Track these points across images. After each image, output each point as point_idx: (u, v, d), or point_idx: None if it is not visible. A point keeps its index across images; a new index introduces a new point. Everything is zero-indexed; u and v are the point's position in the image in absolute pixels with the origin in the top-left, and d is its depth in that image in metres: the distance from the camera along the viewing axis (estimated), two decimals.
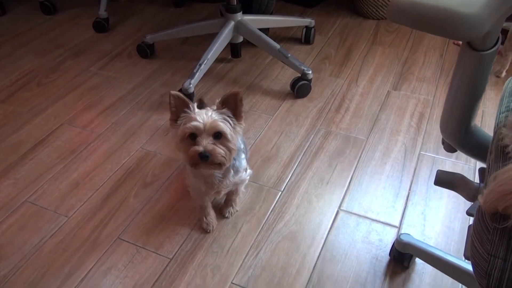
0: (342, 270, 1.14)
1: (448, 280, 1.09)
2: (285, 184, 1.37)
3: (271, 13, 2.05)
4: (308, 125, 1.60)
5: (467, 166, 1.42)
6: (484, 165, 0.76)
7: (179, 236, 1.22)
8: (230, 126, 1.02)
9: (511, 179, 0.47)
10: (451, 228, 1.23)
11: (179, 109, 1.03)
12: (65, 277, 1.13)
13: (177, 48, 2.05)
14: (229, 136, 1.01)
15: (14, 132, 1.59)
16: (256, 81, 1.83)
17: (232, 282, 1.11)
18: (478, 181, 0.75)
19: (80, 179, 1.40)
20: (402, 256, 1.12)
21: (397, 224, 1.25)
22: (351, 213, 1.28)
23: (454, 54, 1.97)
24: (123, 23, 2.27)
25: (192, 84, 1.61)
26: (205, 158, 0.98)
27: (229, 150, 1.02)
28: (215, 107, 1.04)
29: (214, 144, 0.99)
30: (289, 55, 1.72)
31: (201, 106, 1.45)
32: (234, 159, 1.11)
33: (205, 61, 1.67)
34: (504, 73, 1.76)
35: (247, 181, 1.23)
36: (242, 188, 1.24)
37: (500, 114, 0.67)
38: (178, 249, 1.19)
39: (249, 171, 1.22)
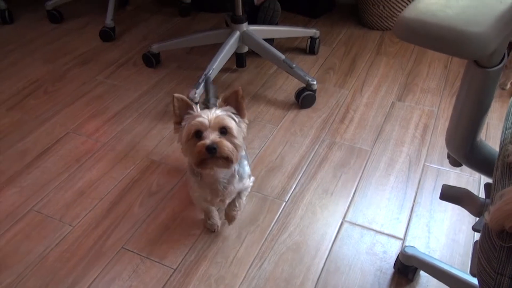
0: (346, 282, 1.13)
1: None
2: (289, 195, 1.37)
3: (276, 24, 2.06)
4: (313, 136, 1.60)
5: (472, 179, 1.41)
6: (489, 180, 0.76)
7: (183, 247, 1.22)
8: (235, 122, 1.02)
9: None
10: (456, 240, 1.23)
11: (182, 111, 1.03)
12: (69, 286, 1.13)
13: (183, 58, 2.06)
14: (234, 132, 1.00)
15: (20, 140, 1.60)
16: (260, 91, 1.84)
17: None
18: (483, 196, 0.75)
19: (85, 188, 1.41)
20: (406, 269, 1.12)
21: (402, 236, 1.25)
22: (355, 224, 1.28)
23: (459, 65, 1.97)
24: (129, 32, 2.29)
25: (197, 94, 1.62)
26: (212, 151, 0.96)
27: (236, 146, 1.00)
28: (217, 106, 1.03)
29: (220, 138, 0.98)
30: (294, 65, 1.73)
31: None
32: (238, 164, 1.10)
33: (211, 70, 1.68)
34: (508, 85, 1.76)
35: (250, 189, 1.22)
36: (244, 199, 1.21)
37: (506, 130, 0.67)
38: (182, 260, 1.19)
39: (252, 178, 1.21)
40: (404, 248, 1.09)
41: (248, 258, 1.19)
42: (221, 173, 1.07)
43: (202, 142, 0.97)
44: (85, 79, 1.93)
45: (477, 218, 1.01)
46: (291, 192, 1.38)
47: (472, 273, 0.55)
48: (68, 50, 2.15)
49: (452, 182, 1.41)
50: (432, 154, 1.51)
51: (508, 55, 0.62)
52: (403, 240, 1.24)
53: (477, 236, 1.24)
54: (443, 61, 2.00)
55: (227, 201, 1.18)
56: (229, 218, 1.23)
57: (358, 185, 1.40)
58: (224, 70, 1.88)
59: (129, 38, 2.25)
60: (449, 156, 0.78)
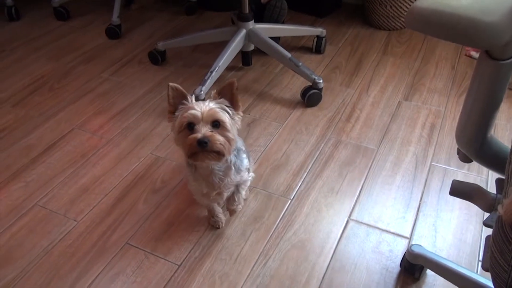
0: (351, 281, 1.12)
1: None
2: (294, 193, 1.36)
3: (282, 22, 2.05)
4: (318, 134, 1.59)
5: (479, 178, 1.40)
6: (500, 176, 0.75)
7: (187, 243, 1.22)
8: (228, 116, 1.01)
9: None
10: (463, 240, 1.22)
11: (176, 101, 1.02)
12: (73, 281, 1.12)
13: (188, 56, 2.06)
14: (227, 125, 0.99)
15: (25, 136, 1.60)
16: (266, 89, 1.83)
17: None
18: (494, 192, 0.74)
19: (89, 184, 1.40)
20: (413, 267, 1.11)
21: (408, 235, 1.24)
22: (361, 223, 1.27)
23: (466, 65, 1.96)
24: (135, 30, 2.29)
25: (203, 91, 1.61)
26: (203, 145, 0.95)
27: (228, 140, 0.99)
28: (211, 98, 1.02)
29: (212, 132, 0.98)
30: (300, 63, 1.73)
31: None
32: (235, 156, 1.09)
33: (217, 68, 1.67)
34: None
35: (248, 183, 1.20)
36: (243, 194, 1.19)
37: None
38: (187, 256, 1.18)
39: (251, 173, 1.19)
40: (411, 247, 1.08)
41: (252, 255, 1.18)
42: (216, 165, 1.06)
43: (194, 135, 0.96)
44: (91, 76, 1.93)
45: (487, 214, 1.00)
46: (296, 190, 1.37)
47: (485, 268, 0.54)
48: (74, 47, 2.15)
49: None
50: (439, 154, 1.50)
51: None
52: (409, 239, 1.23)
53: (485, 233, 1.23)
54: (450, 61, 1.99)
55: (225, 195, 1.15)
56: (230, 211, 1.22)
57: (364, 184, 1.39)
58: (230, 68, 1.87)
59: (135, 35, 2.24)
60: (459, 152, 0.77)
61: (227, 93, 1.02)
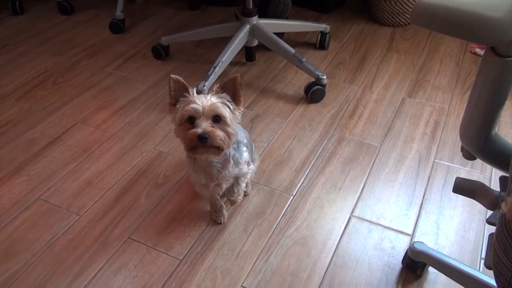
0: (353, 277, 1.12)
1: None
2: (297, 189, 1.36)
3: (286, 18, 2.04)
4: (321, 130, 1.59)
5: (483, 176, 1.40)
6: (503, 173, 0.75)
7: (189, 238, 1.22)
8: (229, 111, 1.01)
9: None
10: (465, 237, 1.21)
11: (178, 93, 1.02)
12: (75, 275, 1.13)
13: (192, 51, 2.06)
14: (228, 120, 0.99)
15: (29, 130, 1.60)
16: (270, 85, 1.83)
17: (242, 286, 1.10)
18: (497, 190, 0.73)
19: (92, 178, 1.40)
20: (415, 265, 1.10)
21: (410, 232, 1.23)
22: (363, 219, 1.27)
23: (470, 62, 1.95)
24: (138, 25, 2.29)
25: (206, 86, 1.61)
26: (203, 140, 0.96)
27: (228, 135, 1.00)
28: (214, 92, 1.02)
29: (213, 127, 0.98)
30: (304, 59, 1.72)
31: None
32: (235, 149, 1.09)
33: (220, 63, 1.67)
34: None
35: (249, 176, 1.20)
36: (242, 185, 1.19)
37: None
38: (189, 251, 1.18)
39: (252, 166, 1.19)
40: (413, 244, 1.08)
41: (254, 251, 1.18)
42: (215, 158, 1.06)
43: (194, 130, 0.97)
44: (94, 71, 1.93)
45: (490, 213, 0.99)
46: (299, 186, 1.37)
47: (487, 266, 0.53)
48: (78, 42, 2.15)
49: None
50: (443, 151, 1.49)
51: None
52: (412, 236, 1.22)
53: (488, 232, 1.22)
54: (454, 58, 1.98)
55: (224, 186, 1.16)
56: (230, 202, 1.23)
57: (366, 181, 1.39)
58: (233, 63, 1.87)
59: (139, 30, 2.24)
60: (462, 149, 0.76)
61: (229, 88, 1.02)
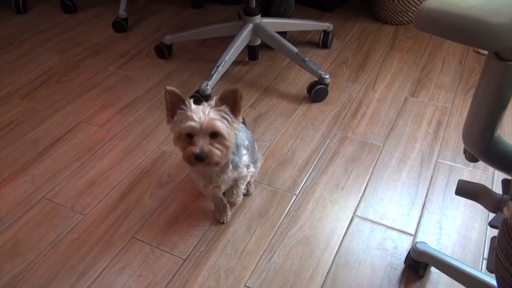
0: (356, 277, 1.13)
1: None
2: (300, 188, 1.37)
3: (289, 17, 2.04)
4: (324, 130, 1.59)
5: (485, 176, 1.40)
6: (506, 176, 0.75)
7: (193, 237, 1.23)
8: (227, 124, 1.00)
9: None
10: (468, 238, 1.22)
11: (174, 104, 1.01)
12: (79, 274, 1.14)
13: (195, 50, 2.06)
14: (225, 135, 0.99)
15: (33, 129, 1.61)
16: (272, 84, 1.83)
17: (245, 285, 1.11)
18: (499, 192, 0.74)
19: (96, 178, 1.41)
20: (417, 265, 1.11)
21: (413, 232, 1.24)
22: (366, 219, 1.27)
23: (473, 61, 1.95)
24: (142, 23, 2.29)
25: (209, 86, 1.62)
26: (201, 160, 0.97)
27: (226, 147, 1.01)
28: (213, 103, 1.01)
29: (211, 144, 0.98)
30: (306, 58, 1.72)
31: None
32: (234, 154, 1.09)
33: (223, 63, 1.67)
34: None
35: (248, 179, 1.20)
36: (242, 188, 1.20)
37: None
38: (192, 250, 1.19)
39: (252, 169, 1.18)
40: (415, 244, 1.08)
41: (257, 250, 1.19)
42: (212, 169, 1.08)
43: (192, 150, 0.97)
44: (98, 70, 1.94)
45: (492, 215, 1.00)
46: (301, 185, 1.38)
47: (489, 269, 0.54)
48: (81, 41, 2.15)
49: (465, 179, 1.39)
50: (445, 151, 1.49)
51: None
52: (414, 236, 1.23)
53: (491, 232, 1.23)
54: (458, 57, 1.98)
55: (223, 188, 1.16)
56: (230, 203, 1.24)
57: (369, 180, 1.39)
58: (236, 62, 1.87)
59: (142, 29, 2.25)
60: (465, 151, 0.77)
61: (229, 100, 1.01)
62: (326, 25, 2.02)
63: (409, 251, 1.13)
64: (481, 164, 1.43)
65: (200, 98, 1.63)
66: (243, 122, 1.21)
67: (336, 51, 2.04)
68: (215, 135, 0.99)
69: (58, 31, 2.24)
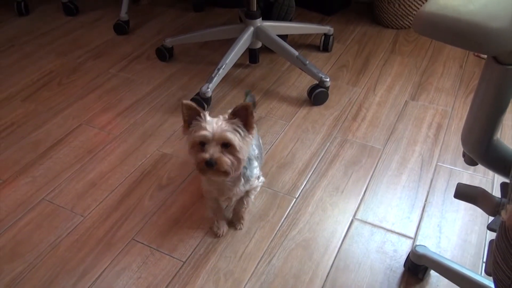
0: (355, 280, 1.13)
1: None
2: (299, 191, 1.37)
3: (290, 20, 2.05)
4: (324, 133, 1.59)
5: (485, 179, 1.40)
6: (505, 180, 0.75)
7: (193, 240, 1.23)
8: (239, 137, 1.02)
9: None
10: (468, 241, 1.22)
11: (191, 117, 1.04)
12: (79, 276, 1.14)
13: (196, 52, 2.07)
14: (237, 147, 1.01)
15: (34, 131, 1.61)
16: (273, 87, 1.83)
17: None
18: (499, 195, 0.74)
19: (96, 180, 1.41)
20: (417, 268, 1.11)
21: (413, 235, 1.24)
22: (365, 222, 1.27)
23: (474, 65, 1.95)
24: (143, 26, 2.30)
25: (210, 88, 1.62)
26: (210, 166, 0.99)
27: (237, 159, 1.02)
28: (226, 116, 1.04)
29: (221, 152, 1.00)
30: (307, 62, 1.72)
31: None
32: (246, 168, 1.11)
33: (224, 65, 1.68)
34: None
35: (259, 188, 1.23)
36: (252, 198, 1.23)
37: None
38: (192, 253, 1.19)
39: (261, 178, 1.21)
40: (415, 247, 1.08)
41: (257, 253, 1.19)
42: (222, 178, 1.08)
43: (202, 156, 1.00)
44: (99, 72, 1.94)
45: (491, 218, 1.00)
46: (301, 188, 1.38)
47: (488, 272, 0.54)
48: (82, 43, 2.16)
49: (464, 182, 1.39)
50: (445, 154, 1.49)
51: None
52: (414, 239, 1.23)
53: (490, 235, 1.23)
54: (458, 61, 1.98)
55: (234, 199, 1.21)
56: (238, 217, 1.25)
57: (369, 184, 1.39)
58: (237, 65, 1.88)
59: (143, 32, 2.25)
60: (464, 155, 0.77)
61: (241, 115, 1.03)
62: (326, 29, 2.02)
63: (408, 254, 1.13)
64: (481, 167, 1.43)
65: (201, 100, 1.64)
66: None
67: (336, 55, 2.05)
68: (227, 145, 1.01)
69: (60, 33, 2.24)
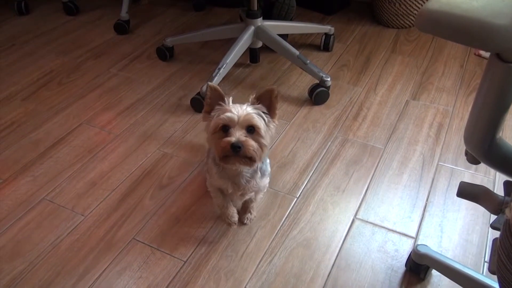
0: (356, 279, 1.13)
1: None
2: (300, 191, 1.36)
3: (291, 20, 2.05)
4: (325, 132, 1.59)
5: (487, 179, 1.39)
6: (507, 178, 0.75)
7: (193, 239, 1.22)
8: (264, 122, 1.00)
9: None
10: (469, 240, 1.21)
11: (214, 101, 1.02)
12: (80, 276, 1.13)
13: (196, 52, 2.06)
14: (262, 132, 0.98)
15: (34, 130, 1.61)
16: (274, 86, 1.83)
17: (245, 287, 1.11)
18: (501, 194, 0.74)
19: (97, 179, 1.41)
20: (418, 267, 1.11)
21: (414, 235, 1.23)
22: (367, 222, 1.27)
23: (475, 64, 1.95)
24: (143, 26, 2.30)
25: None
26: (237, 149, 0.95)
27: (261, 146, 0.99)
28: (249, 103, 1.02)
29: (246, 137, 0.97)
30: (308, 61, 1.72)
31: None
32: (262, 161, 1.09)
33: (224, 65, 1.67)
34: None
35: (265, 190, 1.22)
36: (260, 195, 1.23)
37: None
38: (192, 252, 1.19)
39: (268, 179, 1.20)
40: (416, 247, 1.08)
41: (258, 252, 1.19)
42: (245, 168, 1.06)
43: (228, 139, 0.96)
44: (99, 72, 1.94)
45: (494, 217, 1.00)
46: (302, 188, 1.37)
47: (491, 271, 0.54)
48: (83, 42, 2.16)
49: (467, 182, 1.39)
50: (446, 154, 1.49)
51: None
52: (415, 239, 1.22)
53: (492, 234, 1.22)
54: (459, 60, 1.98)
55: (247, 196, 1.18)
56: (245, 211, 1.25)
57: (370, 183, 1.39)
58: (237, 65, 1.88)
59: (143, 31, 2.25)
60: (467, 153, 0.76)
61: (265, 99, 1.01)
62: (327, 28, 2.02)
63: (410, 254, 1.12)
64: (482, 166, 1.43)
65: (202, 100, 1.63)
66: None
67: (337, 54, 2.05)
68: (251, 130, 0.98)
69: (60, 33, 2.24)
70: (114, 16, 2.27)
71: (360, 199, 1.34)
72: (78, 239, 1.23)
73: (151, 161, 1.48)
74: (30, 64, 1.99)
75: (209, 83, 1.01)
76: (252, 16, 1.78)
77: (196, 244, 1.21)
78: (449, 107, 1.70)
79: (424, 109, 1.69)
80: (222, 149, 0.97)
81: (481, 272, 1.13)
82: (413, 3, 2.13)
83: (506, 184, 0.70)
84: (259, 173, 1.10)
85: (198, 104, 1.67)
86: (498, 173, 1.41)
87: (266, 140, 1.01)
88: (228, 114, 0.97)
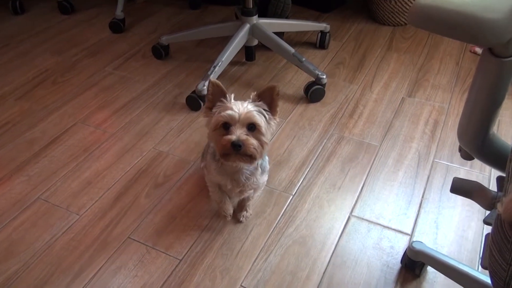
0: (352, 276, 1.13)
1: None
2: (296, 188, 1.36)
3: (286, 17, 2.04)
4: (321, 130, 1.59)
5: (482, 175, 1.40)
6: (501, 174, 0.75)
7: (189, 237, 1.22)
8: (264, 120, 1.00)
9: None
10: (464, 237, 1.21)
11: (215, 97, 1.02)
12: (75, 274, 1.13)
13: (192, 50, 2.06)
14: (263, 129, 0.99)
15: (29, 129, 1.60)
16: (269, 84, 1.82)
17: (241, 285, 1.11)
18: (495, 190, 0.74)
19: (92, 178, 1.41)
20: (413, 264, 1.11)
21: (409, 232, 1.23)
22: (362, 219, 1.27)
23: (470, 61, 1.95)
24: (139, 24, 2.29)
25: (206, 86, 1.61)
26: (237, 148, 0.96)
27: (262, 144, 1.00)
28: (250, 100, 1.02)
29: (247, 135, 0.98)
30: (303, 59, 1.72)
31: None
32: (262, 159, 1.09)
33: (220, 63, 1.67)
34: None
35: (262, 188, 1.22)
36: (258, 192, 1.23)
37: None
38: (188, 250, 1.19)
39: (268, 173, 1.20)
40: (412, 243, 1.08)
41: (254, 250, 1.19)
42: (245, 165, 1.06)
43: (229, 137, 0.97)
44: (94, 70, 1.93)
45: (488, 212, 1.00)
46: (298, 185, 1.37)
47: (484, 266, 0.54)
48: (78, 41, 2.15)
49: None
50: (442, 151, 1.49)
51: None
52: (411, 235, 1.22)
53: (486, 230, 1.23)
54: (454, 58, 1.98)
55: (246, 194, 1.18)
56: (241, 209, 1.25)
57: (366, 180, 1.39)
58: (233, 63, 1.87)
59: (139, 30, 2.24)
60: (460, 149, 0.76)
61: (266, 97, 1.02)
62: (323, 26, 2.02)
63: (405, 251, 1.13)
64: (477, 163, 1.43)
65: (197, 98, 1.63)
66: None
67: (333, 52, 2.04)
68: (252, 128, 0.98)
69: (55, 32, 2.23)
70: (109, 14, 2.26)
71: (356, 196, 1.34)
72: (73, 238, 1.22)
73: (146, 159, 1.47)
74: (25, 63, 1.98)
75: (211, 78, 1.01)
76: (248, 14, 1.78)
77: (192, 243, 1.21)
78: (444, 104, 1.70)
79: (419, 106, 1.69)
80: (223, 147, 0.98)
81: (476, 268, 1.13)
82: (409, 0, 2.13)
83: (499, 179, 0.70)
84: (260, 169, 1.11)
85: (194, 103, 1.66)
86: (493, 170, 1.41)
87: (267, 138, 1.01)
88: (229, 111, 0.97)
